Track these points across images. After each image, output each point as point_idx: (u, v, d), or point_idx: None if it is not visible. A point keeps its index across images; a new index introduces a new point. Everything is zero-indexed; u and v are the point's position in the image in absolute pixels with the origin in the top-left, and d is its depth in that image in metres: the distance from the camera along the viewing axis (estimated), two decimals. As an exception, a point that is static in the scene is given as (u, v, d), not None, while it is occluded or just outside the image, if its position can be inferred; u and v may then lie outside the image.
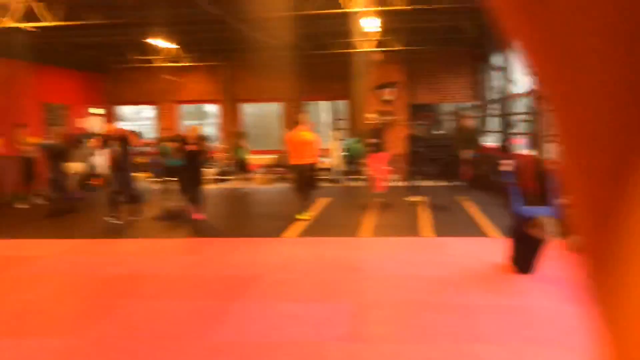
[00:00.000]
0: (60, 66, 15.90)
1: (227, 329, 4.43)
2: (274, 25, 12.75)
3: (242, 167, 15.19)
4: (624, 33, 0.23)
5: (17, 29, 11.43)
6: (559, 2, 0.25)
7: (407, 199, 11.27)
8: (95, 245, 7.99)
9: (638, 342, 0.24)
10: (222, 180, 17.11)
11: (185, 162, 9.51)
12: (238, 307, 4.94)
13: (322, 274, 6.01)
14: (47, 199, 12.36)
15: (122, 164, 9.45)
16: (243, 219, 10.57)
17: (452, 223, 8.79)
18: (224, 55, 17.15)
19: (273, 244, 7.70)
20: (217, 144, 18.74)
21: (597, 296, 0.27)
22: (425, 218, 9.32)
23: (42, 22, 10.69)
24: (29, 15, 10.64)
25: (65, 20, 10.71)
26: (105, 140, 9.68)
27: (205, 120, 20.54)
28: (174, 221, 9.70)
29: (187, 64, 17.37)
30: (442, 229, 8.26)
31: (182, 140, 9.71)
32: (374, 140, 10.91)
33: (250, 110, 19.30)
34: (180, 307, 5.03)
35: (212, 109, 19.76)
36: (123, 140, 9.41)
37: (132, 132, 10.35)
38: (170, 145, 11.69)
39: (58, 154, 11.02)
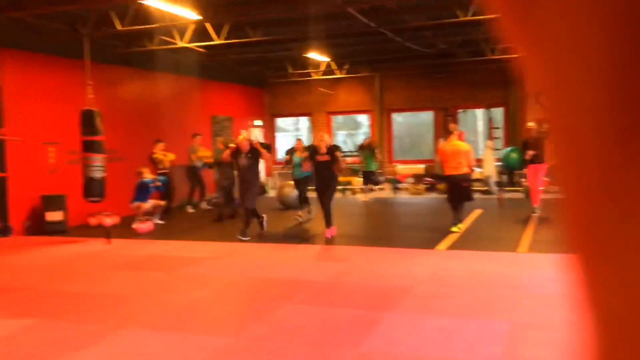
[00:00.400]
0: (225, 81, 17.11)
1: (377, 339, 4.41)
2: (428, 34, 12.63)
3: (369, 178, 15.18)
4: (612, 38, 0.24)
5: (188, 48, 12.51)
6: (549, 6, 0.25)
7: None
8: (252, 249, 8.44)
9: (624, 343, 0.26)
10: (371, 190, 17.22)
11: (315, 173, 9.20)
12: (388, 318, 4.91)
13: (476, 289, 5.78)
14: (214, 205, 13.34)
15: (249, 177, 9.21)
16: (392, 229, 10.53)
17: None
18: (376, 65, 17.32)
19: (424, 256, 7.57)
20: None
21: (587, 299, 0.28)
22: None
23: (210, 41, 11.57)
24: (199, 36, 11.58)
25: (230, 38, 11.49)
26: (235, 152, 9.40)
27: (358, 130, 20.87)
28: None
29: (340, 76, 17.79)
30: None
31: (313, 150, 9.20)
32: (532, 152, 10.30)
33: (400, 120, 19.25)
34: (330, 313, 5.12)
35: (364, 119, 20.02)
36: (253, 152, 9.29)
37: (264, 144, 10.18)
38: (300, 155, 11.21)
39: (225, 163, 11.82)
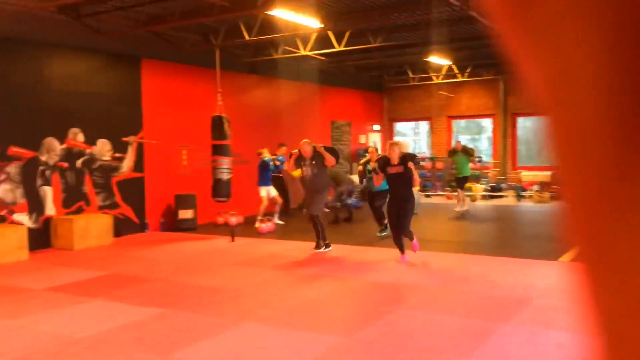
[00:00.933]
0: (344, 87, 17.41)
1: (489, 350, 4.32)
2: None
3: (462, 185, 13.58)
4: (612, 36, 0.23)
5: (310, 56, 12.90)
6: (546, 6, 0.25)
7: None
8: (366, 252, 8.53)
9: (625, 346, 0.25)
10: (493, 197, 16.67)
11: (388, 186, 7.96)
12: (502, 329, 4.78)
13: (600, 305, 5.45)
14: (330, 208, 13.61)
15: (315, 184, 8.44)
16: (513, 238, 10.15)
17: None
18: (500, 68, 16.75)
19: (545, 267, 7.23)
20: (487, 161, 18.36)
21: (591, 302, 0.28)
22: None
23: (331, 48, 11.86)
24: (320, 43, 11.90)
25: (351, 45, 11.70)
26: (298, 159, 8.61)
27: (481, 134, 20.30)
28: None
29: (462, 79, 17.42)
30: None
31: (383, 160, 7.75)
32: None
33: (527, 124, 18.44)
34: (441, 321, 5.08)
35: (488, 123, 19.44)
36: (317, 158, 8.45)
37: (329, 148, 8.88)
38: (373, 166, 8.88)
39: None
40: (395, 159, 7.45)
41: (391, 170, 7.49)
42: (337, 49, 11.64)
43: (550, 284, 6.35)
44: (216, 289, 6.44)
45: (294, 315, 5.39)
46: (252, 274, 7.16)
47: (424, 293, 6.08)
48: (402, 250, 7.56)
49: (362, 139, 18.46)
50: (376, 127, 19.42)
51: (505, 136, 17.83)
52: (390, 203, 7.76)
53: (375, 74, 18.10)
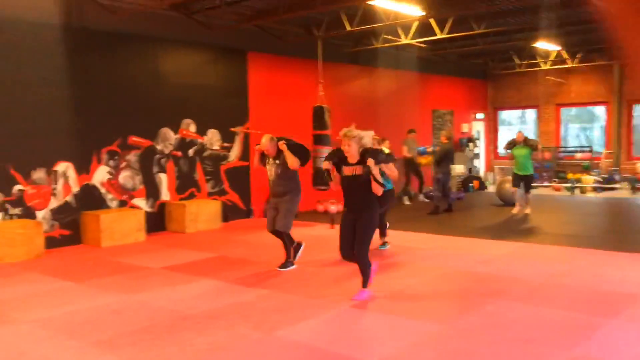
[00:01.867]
0: (446, 75, 17.11)
1: (594, 345, 4.19)
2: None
3: (526, 185, 11.62)
4: None
5: (411, 44, 12.82)
6: None
7: None
8: (467, 243, 8.43)
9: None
10: (605, 189, 15.77)
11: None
12: (609, 324, 4.61)
13: None
14: (430, 198, 13.51)
15: (281, 187, 6.83)
16: (625, 232, 9.59)
17: None
18: (614, 53, 15.73)
19: (660, 263, 6.83)
20: (601, 151, 17.36)
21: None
22: None
23: (433, 36, 11.72)
24: (422, 31, 11.79)
25: (453, 32, 11.50)
26: (262, 157, 7.06)
27: (593, 123, 19.23)
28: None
29: (572, 65, 16.56)
30: None
31: (338, 156, 5.70)
32: None
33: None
34: (544, 313, 4.97)
35: (602, 111, 18.37)
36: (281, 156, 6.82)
37: (299, 147, 6.94)
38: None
39: (444, 156, 11.92)
40: (353, 156, 5.52)
41: (347, 171, 5.52)
42: (440, 36, 11.48)
43: (665, 280, 6.00)
44: (317, 273, 6.67)
45: (393, 301, 5.49)
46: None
47: (526, 285, 5.96)
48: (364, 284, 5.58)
49: (465, 128, 18.08)
50: (480, 115, 18.94)
51: (620, 125, 16.77)
52: (343, 217, 5.67)
53: (479, 61, 17.62)
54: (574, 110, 18.78)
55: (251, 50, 11.53)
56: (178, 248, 8.54)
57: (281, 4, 9.70)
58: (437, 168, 11.98)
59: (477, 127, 18.80)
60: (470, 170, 17.47)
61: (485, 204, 13.55)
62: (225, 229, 10.33)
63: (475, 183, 16.85)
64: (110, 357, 4.19)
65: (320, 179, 10.51)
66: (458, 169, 16.40)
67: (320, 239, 9.12)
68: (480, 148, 18.80)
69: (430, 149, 13.79)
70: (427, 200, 13.87)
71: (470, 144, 17.73)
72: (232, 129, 11.16)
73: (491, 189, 17.06)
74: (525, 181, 11.59)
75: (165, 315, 5.16)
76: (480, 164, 18.75)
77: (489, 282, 6.12)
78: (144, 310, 5.36)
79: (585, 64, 16.53)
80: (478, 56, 16.89)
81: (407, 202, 13.68)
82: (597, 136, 19.00)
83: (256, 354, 4.20)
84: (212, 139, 10.93)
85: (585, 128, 19.51)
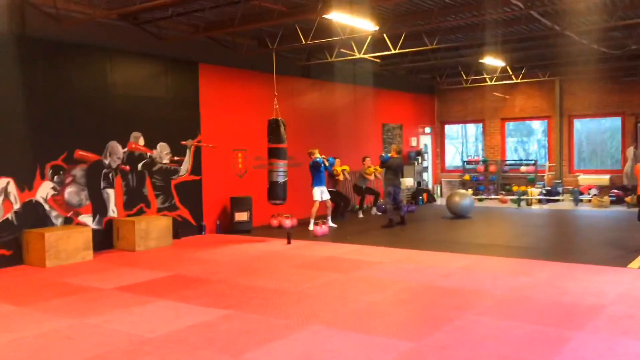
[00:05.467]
0: (396, 90, 17.30)
1: (566, 357, 4.19)
2: (618, 35, 11.67)
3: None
4: None
5: (363, 59, 12.88)
6: None
7: None
8: (425, 256, 8.43)
9: None
10: (549, 201, 16.26)
11: None
12: (577, 337, 4.64)
13: (679, 314, 5.23)
14: (382, 211, 13.54)
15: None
16: (576, 244, 9.86)
17: None
18: (556, 69, 16.33)
19: (615, 274, 7.00)
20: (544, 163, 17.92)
21: None
22: None
23: (386, 50, 11.79)
24: (375, 46, 11.85)
25: (406, 47, 11.61)
26: None
27: (529, 137, 19.92)
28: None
29: (516, 81, 17.06)
30: None
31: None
32: None
33: (578, 127, 17.90)
34: (513, 327, 4.96)
35: (539, 125, 19.04)
36: None
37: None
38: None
39: (394, 169, 11.95)
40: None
41: None
42: (393, 51, 11.56)
43: (621, 290, 6.14)
44: (279, 290, 6.48)
45: (360, 318, 5.37)
46: (312, 277, 7.17)
47: (490, 299, 5.96)
48: None
49: (413, 142, 18.30)
50: (427, 129, 19.23)
51: (562, 139, 17.37)
52: None
53: (427, 76, 17.92)
54: (512, 125, 19.33)
55: (203, 62, 11.27)
56: (129, 267, 8.15)
57: (236, 16, 9.52)
58: (387, 181, 11.98)
59: (425, 140, 19.08)
60: (419, 183, 17.69)
61: (436, 217, 13.68)
62: (177, 246, 9.97)
63: (425, 196, 17.06)
64: (66, 388, 3.87)
65: (275, 193, 10.32)
66: (407, 182, 16.56)
67: (277, 255, 8.93)
68: (428, 161, 19.07)
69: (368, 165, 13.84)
70: (379, 214, 13.90)
71: (419, 158, 17.97)
72: (183, 142, 10.87)
73: (439, 201, 17.32)
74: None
75: (122, 340, 4.85)
76: (428, 177, 19.01)
77: (453, 296, 6.09)
78: (99, 335, 5.03)
79: (528, 80, 17.06)
80: (427, 71, 17.17)
81: (361, 215, 13.66)
82: (534, 149, 19.68)
83: (225, 380, 3.97)
84: (162, 152, 10.58)
85: (522, 142, 20.17)
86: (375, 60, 13.67)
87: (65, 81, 9.05)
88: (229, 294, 6.40)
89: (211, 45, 11.29)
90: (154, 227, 9.75)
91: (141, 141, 10.19)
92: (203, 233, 11.16)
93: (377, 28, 9.95)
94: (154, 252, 9.38)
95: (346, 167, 13.32)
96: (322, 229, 10.84)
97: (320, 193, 11.56)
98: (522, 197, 16.07)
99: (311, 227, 11.23)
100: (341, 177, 13.13)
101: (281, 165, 10.23)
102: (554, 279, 6.77)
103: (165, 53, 10.53)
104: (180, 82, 10.91)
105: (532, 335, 4.75)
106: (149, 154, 10.32)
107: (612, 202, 15.15)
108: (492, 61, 14.20)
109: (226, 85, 11.79)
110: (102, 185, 9.59)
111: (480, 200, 16.98)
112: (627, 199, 14.66)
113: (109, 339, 4.89)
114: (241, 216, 11.37)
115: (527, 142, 20.18)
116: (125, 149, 9.94)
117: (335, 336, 4.84)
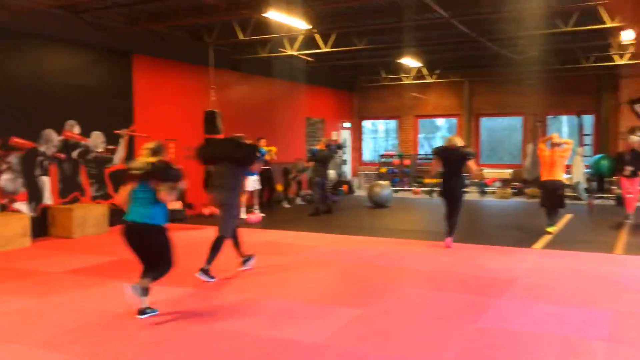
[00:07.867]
0: (319, 85, 18.01)
1: (492, 318, 5.03)
2: (523, 43, 12.95)
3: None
4: None
5: (293, 56, 13.45)
6: None
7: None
8: (356, 241, 9.18)
9: None
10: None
11: None
12: (498, 303, 5.50)
13: (577, 283, 6.27)
14: (308, 201, 14.21)
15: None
16: (487, 229, 11.00)
17: None
18: (466, 71, 17.71)
19: (522, 253, 8.06)
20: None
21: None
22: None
23: (316, 49, 12.44)
24: (305, 44, 12.47)
25: (336, 47, 12.32)
26: None
27: (434, 134, 21.49)
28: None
29: (430, 81, 18.29)
30: None
31: None
32: (630, 168, 10.26)
33: (487, 125, 19.48)
34: (444, 296, 5.77)
35: (443, 122, 20.53)
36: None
37: None
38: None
39: (322, 161, 12.65)
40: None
41: None
42: (324, 50, 12.22)
43: (529, 267, 7.15)
44: (231, 271, 6.96)
45: (312, 291, 5.99)
46: (257, 259, 7.66)
47: (422, 275, 6.77)
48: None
49: (335, 136, 19.11)
50: (347, 124, 20.12)
51: (469, 135, 18.80)
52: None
53: (349, 74, 18.78)
54: (419, 122, 20.64)
55: (137, 53, 11.40)
56: (72, 253, 8.29)
57: (173, 8, 9.78)
58: (316, 172, 12.65)
59: (345, 135, 19.95)
60: (340, 175, 18.52)
61: (358, 206, 14.55)
62: (114, 233, 10.08)
63: (345, 187, 17.92)
64: (58, 355, 4.20)
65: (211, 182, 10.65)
66: (330, 174, 17.32)
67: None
68: (347, 155, 19.97)
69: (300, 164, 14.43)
70: (304, 204, 14.55)
71: (339, 151, 18.80)
72: (117, 132, 10.97)
73: (358, 192, 18.26)
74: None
75: (95, 315, 5.17)
76: (347, 170, 19.91)
77: (389, 273, 6.85)
78: (69, 311, 5.31)
79: (441, 80, 18.35)
80: (349, 69, 18.02)
81: (286, 205, 14.24)
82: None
83: (205, 344, 4.45)
84: (97, 141, 10.64)
85: (428, 137, 21.63)
86: (307, 58, 14.27)
87: (0, 68, 8.96)
88: (185, 275, 6.78)
89: (147, 37, 11.43)
90: (91, 215, 9.85)
91: (76, 129, 10.22)
92: (137, 221, 11.29)
93: (310, 27, 10.56)
94: (92, 238, 9.50)
95: (273, 148, 13.76)
96: (255, 216, 11.33)
97: (252, 182, 12.03)
98: (433, 189, 17.30)
99: (244, 215, 11.69)
100: (270, 157, 13.56)
101: (218, 155, 10.58)
102: (472, 258, 7.72)
103: (99, 42, 10.58)
104: (113, 72, 10.99)
105: (461, 301, 5.57)
106: (83, 142, 10.36)
107: (514, 194, 16.69)
108: (410, 62, 15.23)
109: (162, 76, 11.96)
110: (37, 172, 9.57)
111: (395, 191, 18.06)
112: (527, 190, 16.22)
113: (80, 315, 5.19)
114: (174, 205, 11.61)
115: (433, 137, 21.66)
116: (61, 137, 9.95)
117: (293, 306, 5.43)
